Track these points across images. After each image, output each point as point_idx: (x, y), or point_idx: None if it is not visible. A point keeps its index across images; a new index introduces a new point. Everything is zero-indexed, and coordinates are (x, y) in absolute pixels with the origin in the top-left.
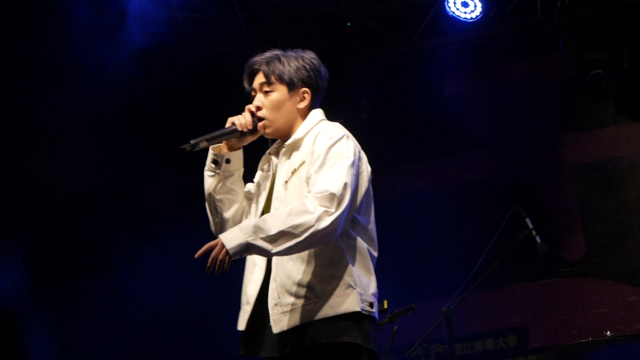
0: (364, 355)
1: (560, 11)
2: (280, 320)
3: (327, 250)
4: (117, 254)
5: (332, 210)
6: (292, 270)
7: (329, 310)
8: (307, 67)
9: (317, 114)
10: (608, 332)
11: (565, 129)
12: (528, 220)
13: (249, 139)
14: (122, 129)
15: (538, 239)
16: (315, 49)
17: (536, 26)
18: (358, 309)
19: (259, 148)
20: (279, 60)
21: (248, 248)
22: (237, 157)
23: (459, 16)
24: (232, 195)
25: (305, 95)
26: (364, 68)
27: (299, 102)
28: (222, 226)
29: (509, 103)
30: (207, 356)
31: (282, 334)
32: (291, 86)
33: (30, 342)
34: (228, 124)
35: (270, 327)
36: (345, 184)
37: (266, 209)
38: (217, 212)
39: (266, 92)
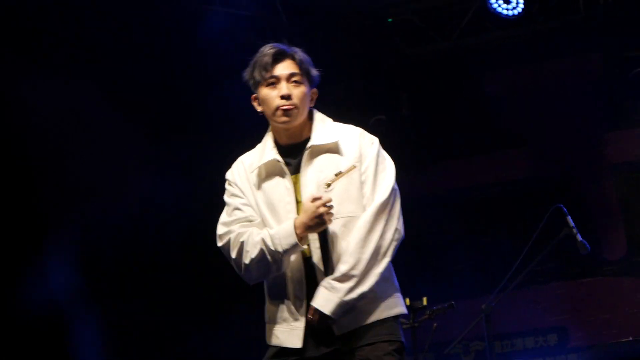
0: (404, 352)
1: (605, 8)
2: (340, 322)
3: None
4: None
5: (394, 214)
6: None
7: (386, 311)
8: (313, 66)
9: (320, 113)
10: None
11: (606, 127)
12: (569, 219)
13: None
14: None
15: (579, 238)
16: (356, 45)
17: (578, 23)
18: (405, 311)
19: None
20: (301, 53)
21: (347, 310)
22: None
23: (501, 12)
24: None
25: (314, 96)
26: (404, 64)
27: (310, 102)
28: (259, 278)
29: (550, 101)
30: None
31: (342, 336)
32: (312, 85)
33: (81, 340)
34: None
35: (327, 333)
36: (392, 186)
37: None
38: (267, 271)
39: (296, 82)
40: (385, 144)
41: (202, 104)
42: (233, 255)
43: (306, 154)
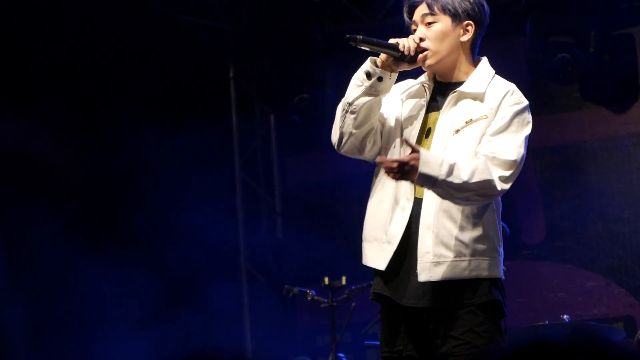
0: (502, 317)
1: None
2: (428, 270)
3: (482, 209)
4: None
5: (507, 176)
6: (449, 222)
7: (480, 271)
8: (471, 1)
9: (488, 64)
10: (565, 316)
11: (529, 111)
12: None
13: (404, 67)
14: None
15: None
16: (281, 21)
17: (503, 7)
18: (501, 276)
19: None
20: None
21: (433, 183)
22: (391, 80)
23: None
24: (368, 113)
25: (469, 27)
26: (330, 42)
27: (462, 35)
28: (342, 137)
29: None
30: None
31: (428, 285)
32: (455, 17)
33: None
34: (392, 42)
35: (414, 275)
36: (523, 155)
37: (424, 142)
38: (345, 122)
39: (429, 24)
40: (308, 123)
41: None
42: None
43: (451, 96)
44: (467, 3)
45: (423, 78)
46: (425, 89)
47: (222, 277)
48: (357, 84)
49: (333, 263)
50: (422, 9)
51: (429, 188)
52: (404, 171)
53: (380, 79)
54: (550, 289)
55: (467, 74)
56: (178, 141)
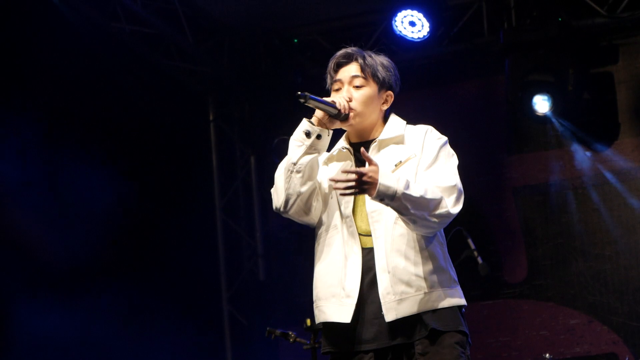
0: (468, 345)
1: (507, 32)
2: (393, 309)
3: (430, 243)
4: None
5: (453, 200)
6: (402, 260)
7: (441, 301)
8: (392, 70)
9: (397, 117)
10: (547, 355)
11: (509, 150)
12: (470, 241)
13: (336, 125)
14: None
15: (480, 260)
16: (262, 64)
17: (483, 47)
18: (464, 303)
19: None
20: (371, 56)
21: (391, 196)
22: (327, 138)
23: (406, 35)
24: (311, 171)
25: (389, 98)
26: (311, 85)
27: (382, 104)
28: (290, 199)
29: (455, 123)
30: None
31: (394, 322)
32: (381, 86)
33: None
34: (329, 100)
35: (377, 319)
36: (459, 182)
37: (357, 204)
38: (291, 183)
39: (357, 86)
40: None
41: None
42: (273, 191)
43: (372, 147)
44: (390, 74)
45: (341, 144)
46: (348, 152)
47: (204, 319)
48: (298, 144)
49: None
50: (352, 70)
51: (387, 203)
52: (363, 183)
53: (319, 136)
54: (533, 327)
55: (381, 132)
56: (159, 182)
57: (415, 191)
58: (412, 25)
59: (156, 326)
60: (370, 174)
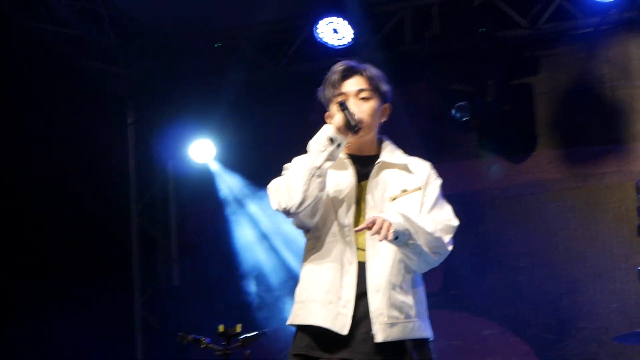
0: None
1: (430, 41)
2: (384, 330)
3: (417, 274)
4: None
5: (450, 239)
6: (396, 286)
7: (422, 331)
8: (387, 82)
9: (391, 142)
10: None
11: (430, 159)
12: None
13: (349, 135)
14: None
15: None
16: (186, 67)
17: (406, 55)
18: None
19: None
20: (371, 69)
21: (404, 232)
22: (342, 148)
23: (328, 42)
24: (326, 178)
25: (387, 111)
26: (233, 89)
27: (382, 117)
28: (305, 201)
29: None
30: None
31: (381, 344)
32: (383, 99)
33: None
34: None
35: (365, 335)
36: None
37: (357, 215)
38: (310, 186)
39: (364, 98)
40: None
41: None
42: (284, 190)
43: (377, 166)
44: (387, 88)
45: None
46: (347, 162)
47: (116, 323)
48: (320, 149)
49: (228, 310)
50: (358, 83)
51: (398, 243)
52: (385, 227)
53: (339, 145)
54: (447, 337)
55: (377, 149)
56: (74, 184)
57: (422, 232)
58: (335, 32)
59: (66, 329)
60: (376, 220)
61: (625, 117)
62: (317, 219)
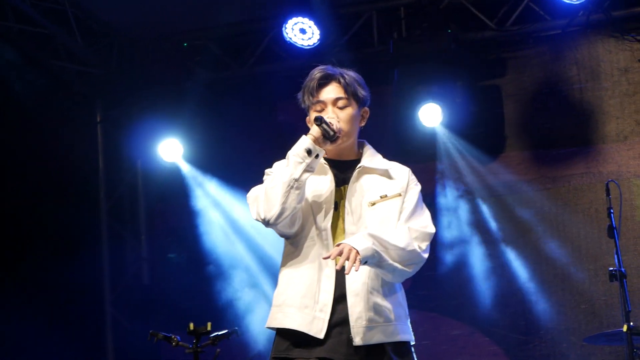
0: None
1: (396, 43)
2: (362, 334)
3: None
4: None
5: (426, 246)
6: (374, 289)
7: (403, 334)
8: (364, 85)
9: (371, 147)
10: None
11: (395, 161)
12: None
13: (326, 145)
14: None
15: None
16: (151, 68)
17: (373, 56)
18: (413, 339)
19: None
20: (347, 75)
21: (373, 255)
22: (321, 158)
23: (296, 42)
24: (304, 189)
25: (365, 115)
26: (200, 89)
27: (361, 121)
28: (284, 213)
29: None
30: None
31: (360, 347)
32: (361, 104)
33: None
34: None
35: (343, 338)
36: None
37: (335, 219)
38: (289, 198)
39: (341, 107)
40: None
41: None
42: (262, 201)
43: (357, 171)
44: (365, 91)
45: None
46: (326, 167)
47: (86, 322)
48: (298, 160)
49: (199, 309)
50: (335, 91)
51: (369, 264)
52: (352, 257)
53: (317, 155)
54: (415, 337)
55: (358, 153)
56: (43, 183)
57: (389, 247)
58: (302, 32)
59: (36, 327)
60: (343, 249)
61: (594, 118)
62: (296, 227)
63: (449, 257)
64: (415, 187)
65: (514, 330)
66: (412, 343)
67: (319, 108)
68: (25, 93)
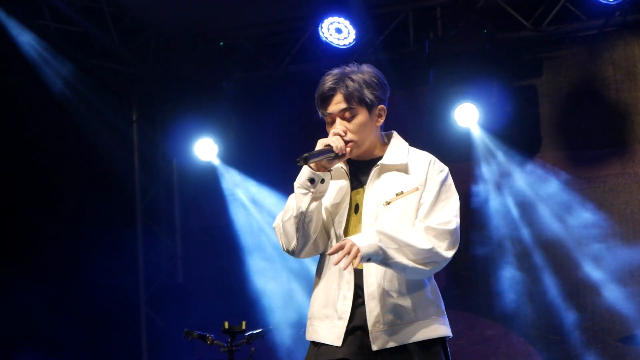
0: None
1: (432, 43)
2: (381, 337)
3: None
4: None
5: (447, 244)
6: (393, 290)
7: (427, 332)
8: (376, 82)
9: (399, 137)
10: None
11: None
12: None
13: (337, 162)
14: None
15: None
16: (187, 66)
17: (408, 56)
18: (449, 334)
19: None
20: (352, 80)
21: (377, 252)
22: (329, 179)
23: (332, 42)
24: (318, 215)
25: (382, 112)
26: (235, 88)
27: (377, 121)
28: (304, 244)
29: None
30: None
31: (379, 352)
32: (371, 107)
33: None
34: (320, 146)
35: (364, 344)
36: (458, 221)
37: (352, 223)
38: (304, 230)
39: (349, 117)
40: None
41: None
42: (281, 234)
43: (374, 170)
44: (375, 89)
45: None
46: (344, 171)
47: (121, 320)
48: (303, 192)
49: (234, 307)
50: (339, 104)
51: (376, 260)
52: (351, 254)
53: (322, 181)
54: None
55: (382, 149)
56: (79, 182)
57: (397, 244)
58: (338, 32)
59: (71, 327)
60: (345, 244)
61: (629, 119)
62: (322, 247)
63: (483, 258)
64: (437, 177)
65: (548, 331)
66: (448, 337)
67: (329, 120)
68: (61, 92)
